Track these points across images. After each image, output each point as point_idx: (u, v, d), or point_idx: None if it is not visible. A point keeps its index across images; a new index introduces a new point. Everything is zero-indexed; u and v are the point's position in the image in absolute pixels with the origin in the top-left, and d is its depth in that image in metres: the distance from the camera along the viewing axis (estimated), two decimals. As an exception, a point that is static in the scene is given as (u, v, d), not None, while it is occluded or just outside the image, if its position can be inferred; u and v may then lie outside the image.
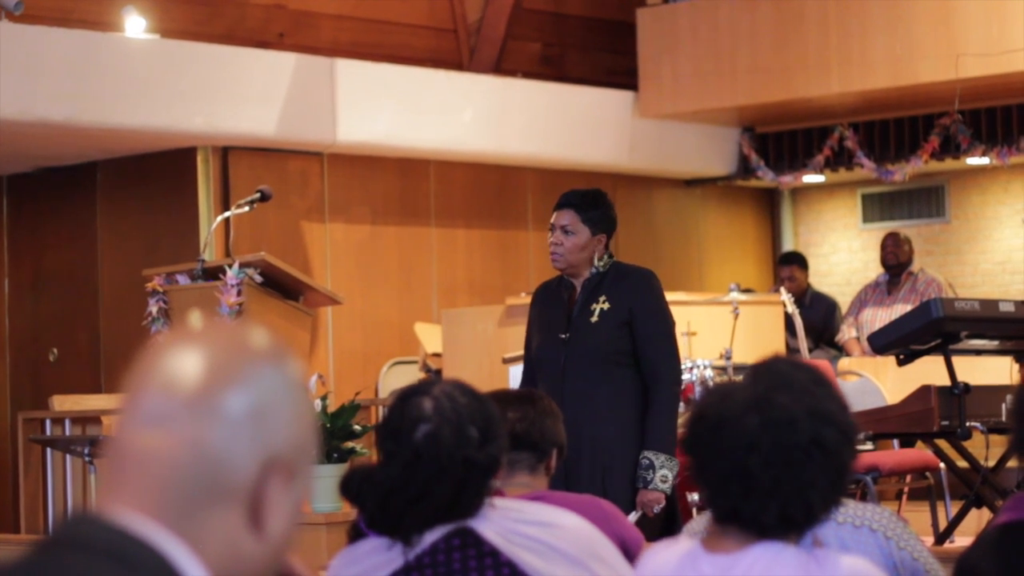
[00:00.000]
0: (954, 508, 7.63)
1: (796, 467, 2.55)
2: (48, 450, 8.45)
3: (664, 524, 5.71)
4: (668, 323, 5.86)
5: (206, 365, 1.68)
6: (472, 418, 3.18)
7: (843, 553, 2.70)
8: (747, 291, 11.20)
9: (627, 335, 5.79)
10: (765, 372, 2.64)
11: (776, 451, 2.54)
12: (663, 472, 5.66)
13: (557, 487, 4.86)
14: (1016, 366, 7.67)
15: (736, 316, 9.26)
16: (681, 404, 8.18)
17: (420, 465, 3.14)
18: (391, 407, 3.27)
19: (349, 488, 3.20)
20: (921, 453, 7.88)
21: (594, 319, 5.81)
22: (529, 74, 12.40)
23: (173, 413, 1.65)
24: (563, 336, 5.83)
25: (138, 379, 1.69)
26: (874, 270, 12.20)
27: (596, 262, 5.87)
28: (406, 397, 3.23)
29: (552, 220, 5.92)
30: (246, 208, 7.62)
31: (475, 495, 3.16)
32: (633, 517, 5.58)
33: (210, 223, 10.25)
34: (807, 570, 2.55)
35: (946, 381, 7.03)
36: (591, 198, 5.93)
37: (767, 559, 2.56)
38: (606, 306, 5.81)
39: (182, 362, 1.68)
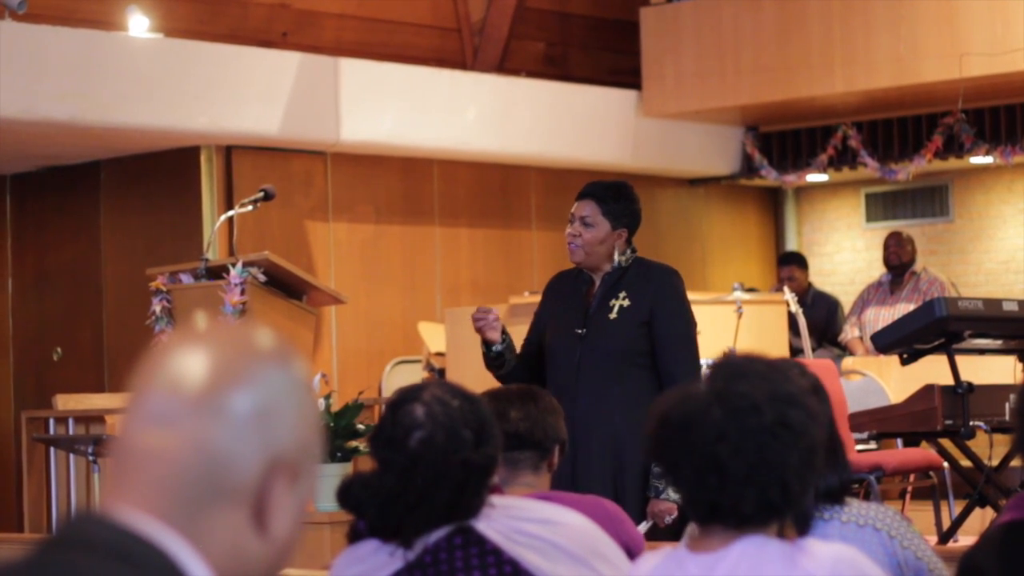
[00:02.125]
0: (958, 507, 7.63)
1: (766, 450, 2.57)
2: (52, 449, 8.46)
3: (677, 536, 5.42)
4: (688, 324, 5.62)
5: (211, 365, 1.68)
6: (465, 420, 3.17)
7: (826, 541, 2.71)
8: (751, 290, 11.20)
9: (646, 335, 5.56)
10: (721, 367, 2.68)
11: (744, 438, 2.57)
12: None
13: (565, 488, 4.81)
14: (1020, 365, 7.67)
15: (740, 315, 9.25)
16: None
17: (417, 471, 3.13)
18: (383, 415, 3.26)
19: (348, 497, 3.19)
20: (925, 452, 7.88)
21: (612, 316, 5.59)
22: (533, 73, 12.41)
23: (178, 413, 1.66)
24: (579, 331, 5.59)
25: (143, 378, 1.69)
26: (878, 269, 12.20)
27: (617, 257, 5.67)
28: (397, 404, 3.22)
29: (572, 210, 5.70)
30: (250, 207, 7.62)
31: (474, 496, 3.16)
32: (643, 527, 5.39)
33: (213, 222, 10.25)
34: (792, 559, 2.57)
35: (949, 380, 7.03)
36: (614, 190, 5.72)
37: (751, 552, 2.58)
38: (626, 303, 5.59)
39: (187, 362, 1.68)
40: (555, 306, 5.77)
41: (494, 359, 5.70)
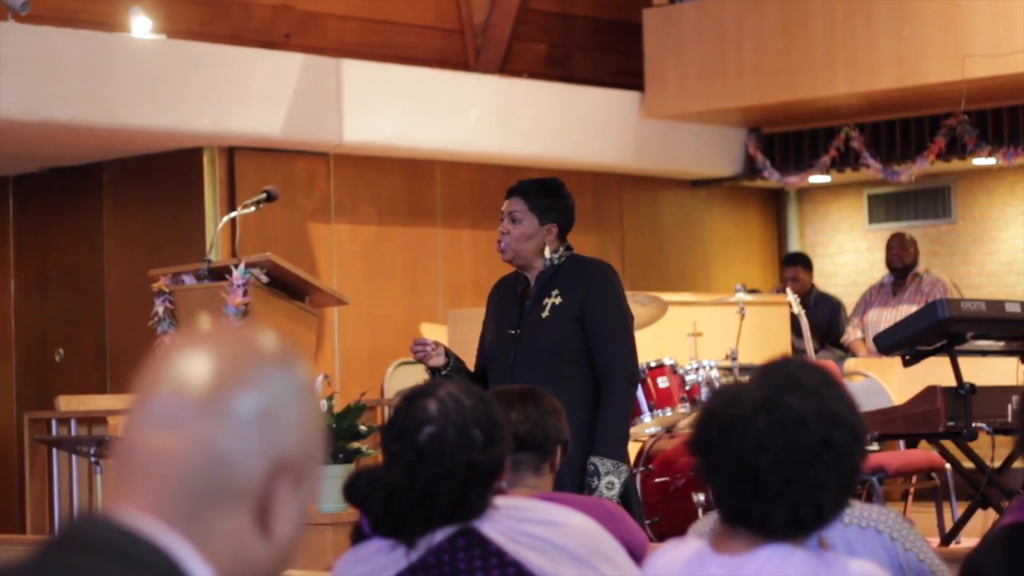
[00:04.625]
0: (960, 509, 7.63)
1: (805, 468, 2.54)
2: (54, 450, 8.45)
3: None
4: (623, 318, 5.51)
5: (215, 367, 1.68)
6: (476, 420, 3.18)
7: (851, 556, 2.70)
8: (753, 292, 11.20)
9: (579, 331, 5.45)
10: (774, 373, 2.63)
11: (785, 452, 2.53)
12: (609, 479, 5.32)
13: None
14: (1022, 367, 7.67)
15: (742, 317, 9.25)
16: (688, 405, 8.18)
17: (424, 467, 3.14)
18: (396, 409, 3.27)
19: (354, 491, 3.20)
20: (927, 454, 7.88)
21: (545, 314, 5.50)
22: (535, 75, 12.41)
23: (182, 414, 1.66)
24: (513, 332, 5.52)
25: (147, 380, 1.69)
26: (880, 271, 12.20)
27: (549, 254, 5.57)
28: (411, 399, 3.23)
29: (502, 208, 5.67)
30: (252, 208, 7.62)
31: (479, 497, 3.16)
32: None
33: (216, 223, 10.26)
34: (816, 573, 2.54)
35: (952, 382, 7.03)
36: (541, 186, 5.64)
37: (776, 561, 2.55)
38: (558, 300, 5.50)
39: (191, 363, 1.68)
40: (495, 310, 5.71)
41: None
